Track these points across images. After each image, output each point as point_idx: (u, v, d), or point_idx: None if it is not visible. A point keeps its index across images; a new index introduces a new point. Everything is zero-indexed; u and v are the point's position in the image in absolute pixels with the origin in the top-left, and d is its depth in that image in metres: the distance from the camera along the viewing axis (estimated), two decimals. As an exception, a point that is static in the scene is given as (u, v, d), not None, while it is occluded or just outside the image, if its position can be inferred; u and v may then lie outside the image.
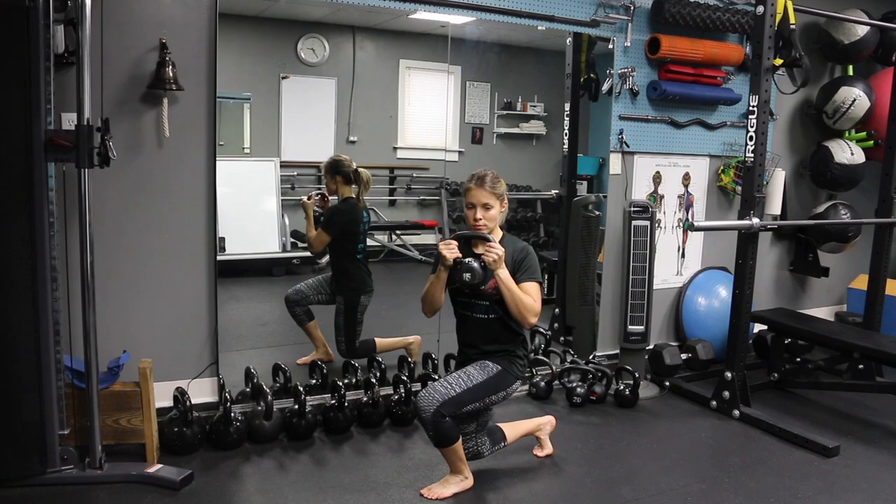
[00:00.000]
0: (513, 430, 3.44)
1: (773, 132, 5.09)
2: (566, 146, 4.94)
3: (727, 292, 4.65)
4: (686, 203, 5.00)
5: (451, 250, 2.96)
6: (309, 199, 4.28)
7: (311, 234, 4.25)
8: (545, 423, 3.57)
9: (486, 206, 3.00)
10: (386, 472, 3.30)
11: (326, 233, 4.23)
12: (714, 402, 4.18)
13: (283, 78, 5.16)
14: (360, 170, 4.29)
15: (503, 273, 2.93)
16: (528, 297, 2.97)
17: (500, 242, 3.00)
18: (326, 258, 4.52)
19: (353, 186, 4.28)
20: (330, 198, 4.34)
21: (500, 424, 3.40)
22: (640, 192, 4.78)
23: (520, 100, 6.05)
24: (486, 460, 3.32)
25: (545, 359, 4.50)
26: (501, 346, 3.10)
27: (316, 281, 4.37)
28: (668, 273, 5.00)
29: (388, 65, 5.58)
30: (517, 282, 2.98)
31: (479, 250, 2.99)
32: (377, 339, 4.37)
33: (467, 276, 2.94)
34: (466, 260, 2.95)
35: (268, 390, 3.59)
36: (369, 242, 4.52)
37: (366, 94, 5.31)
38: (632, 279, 4.51)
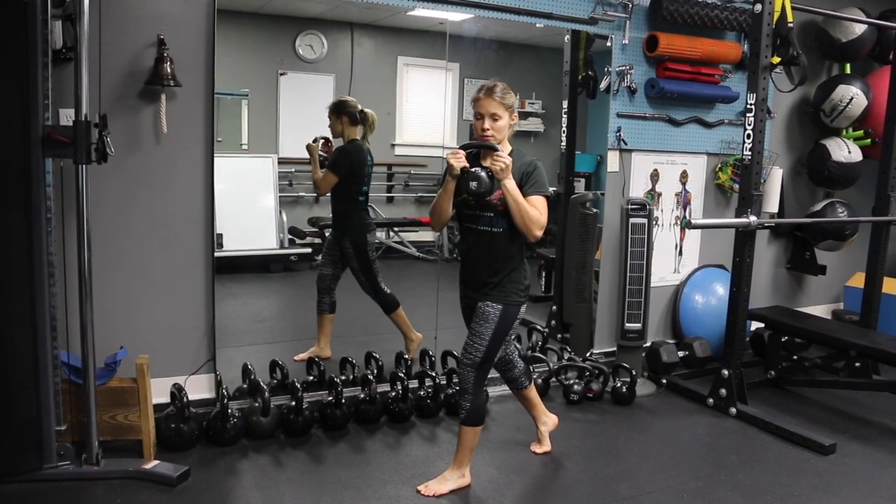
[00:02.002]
0: (534, 391, 3.52)
1: (771, 130, 5.09)
2: (564, 143, 4.94)
3: (724, 290, 4.66)
4: (684, 201, 5.00)
5: (458, 159, 2.91)
6: (314, 142, 4.25)
7: (318, 175, 4.22)
8: (550, 418, 3.58)
9: (495, 117, 2.95)
10: (383, 469, 3.31)
11: (333, 173, 4.18)
12: (711, 400, 4.19)
13: (281, 74, 5.17)
14: (366, 110, 4.25)
15: (510, 183, 2.88)
16: (534, 209, 2.92)
17: (509, 155, 2.94)
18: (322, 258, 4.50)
19: (359, 128, 4.24)
20: (333, 140, 4.30)
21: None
22: (638, 189, 4.78)
23: (518, 97, 6.04)
24: (483, 456, 3.32)
25: (542, 356, 4.50)
26: (503, 264, 3.03)
27: (325, 255, 4.37)
28: (665, 270, 5.00)
29: (386, 61, 5.58)
30: (524, 194, 2.92)
31: (486, 161, 2.95)
32: (401, 308, 4.37)
33: (474, 184, 2.88)
34: (473, 169, 2.90)
35: (265, 387, 3.59)
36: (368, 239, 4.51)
37: (364, 91, 5.31)
38: (629, 276, 4.51)
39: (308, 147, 4.25)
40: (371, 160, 4.33)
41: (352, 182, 4.24)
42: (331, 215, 4.38)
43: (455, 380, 3.94)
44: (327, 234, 4.57)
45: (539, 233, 2.95)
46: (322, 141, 4.29)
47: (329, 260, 4.35)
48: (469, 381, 3.00)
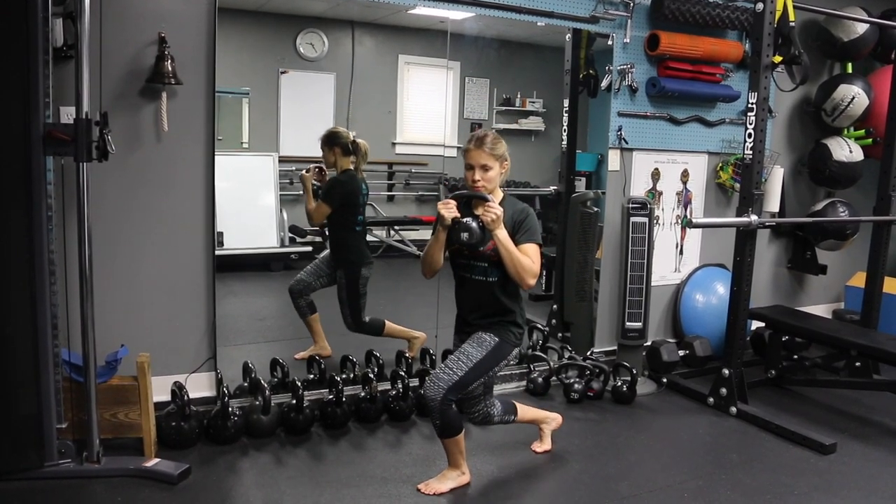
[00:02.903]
0: (524, 411, 3.45)
1: (772, 129, 5.09)
2: (565, 142, 4.94)
3: (725, 289, 4.66)
4: (684, 200, 5.00)
5: (449, 210, 2.91)
6: (307, 172, 4.25)
7: (311, 206, 4.22)
8: (553, 419, 3.57)
9: (485, 168, 2.94)
10: (383, 467, 3.31)
11: (326, 204, 4.19)
12: (711, 399, 4.19)
13: (282, 73, 5.17)
14: (358, 141, 4.25)
15: (501, 233, 2.88)
16: (526, 258, 2.92)
17: (500, 203, 2.94)
18: (326, 253, 4.51)
19: (352, 158, 4.24)
20: (327, 171, 4.32)
21: (514, 401, 3.42)
22: (639, 188, 4.78)
23: (519, 96, 6.05)
24: (484, 455, 3.32)
25: (543, 355, 4.50)
26: (499, 311, 3.05)
27: (313, 265, 4.35)
28: (666, 270, 5.00)
29: (387, 60, 5.58)
30: (516, 243, 2.93)
31: (478, 211, 2.96)
32: (388, 322, 4.36)
33: (465, 235, 2.89)
34: (464, 220, 2.91)
35: (265, 385, 3.59)
36: (368, 238, 4.52)
37: (365, 90, 5.32)
38: (630, 276, 4.51)
39: (301, 177, 4.26)
40: (366, 189, 4.34)
41: (346, 212, 4.25)
42: (329, 246, 4.39)
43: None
44: (327, 233, 4.58)
45: (532, 281, 2.96)
46: (316, 170, 4.29)
47: (316, 272, 4.33)
48: (435, 399, 2.91)
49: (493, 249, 2.92)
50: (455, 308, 3.18)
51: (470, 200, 3.03)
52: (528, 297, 3.14)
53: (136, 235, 3.50)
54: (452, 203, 2.94)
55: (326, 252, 4.40)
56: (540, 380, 4.31)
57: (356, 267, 4.26)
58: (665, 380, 4.52)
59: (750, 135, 3.94)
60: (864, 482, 3.36)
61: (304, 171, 4.26)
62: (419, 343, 4.40)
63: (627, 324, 4.54)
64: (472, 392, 3.11)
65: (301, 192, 4.33)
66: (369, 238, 4.60)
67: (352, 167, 4.25)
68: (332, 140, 4.25)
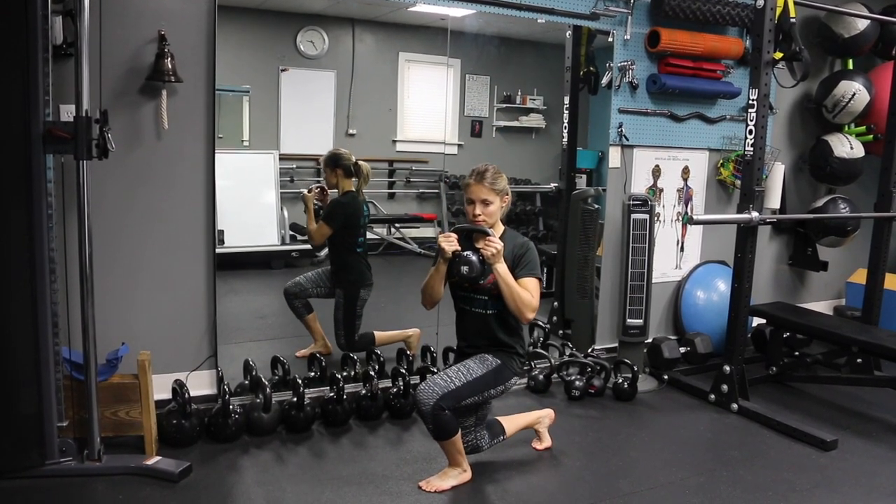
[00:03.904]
0: (512, 423, 3.45)
1: (773, 126, 5.08)
2: (565, 139, 4.93)
3: (726, 286, 4.66)
4: (685, 197, 4.99)
5: (450, 243, 2.96)
6: (309, 192, 4.28)
7: (312, 226, 4.25)
8: (544, 417, 3.57)
9: (486, 202, 2.99)
10: (384, 465, 3.31)
11: (328, 225, 4.22)
12: (712, 396, 4.19)
13: (283, 70, 5.16)
14: (360, 163, 4.29)
15: (501, 268, 2.92)
16: (525, 292, 2.96)
17: (501, 237, 3.00)
18: (325, 251, 4.51)
19: (353, 179, 4.28)
20: (329, 191, 4.34)
21: (499, 418, 3.41)
22: (640, 185, 4.78)
23: (519, 93, 6.04)
24: (485, 453, 3.32)
25: (544, 352, 4.51)
26: (499, 342, 3.10)
27: (315, 274, 4.37)
28: (666, 266, 5.00)
29: (387, 57, 5.57)
30: (516, 277, 2.97)
31: (479, 244, 2.99)
32: (377, 333, 4.38)
33: (465, 269, 2.94)
34: (465, 253, 2.96)
35: (266, 383, 3.59)
36: (368, 235, 4.52)
37: (365, 87, 5.31)
38: (631, 273, 4.51)
39: (303, 197, 4.30)
40: (367, 211, 4.37)
41: (347, 234, 4.28)
42: (329, 266, 4.40)
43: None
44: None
45: (531, 316, 3.00)
46: (318, 190, 4.32)
47: (315, 282, 4.34)
48: (427, 405, 2.90)
49: (493, 283, 2.96)
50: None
51: (471, 233, 3.06)
52: (521, 374, 3.16)
53: (137, 233, 3.50)
54: (453, 236, 2.98)
55: (328, 268, 4.41)
56: (541, 377, 4.31)
57: (355, 288, 4.29)
58: (666, 377, 4.51)
59: (751, 131, 3.94)
60: (865, 478, 3.36)
61: (305, 191, 4.30)
62: (415, 340, 4.41)
63: (628, 321, 4.54)
64: (463, 408, 3.08)
65: (301, 191, 4.33)
66: (370, 235, 4.60)
67: (353, 189, 4.27)
68: (334, 161, 4.29)
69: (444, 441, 3.04)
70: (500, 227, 3.09)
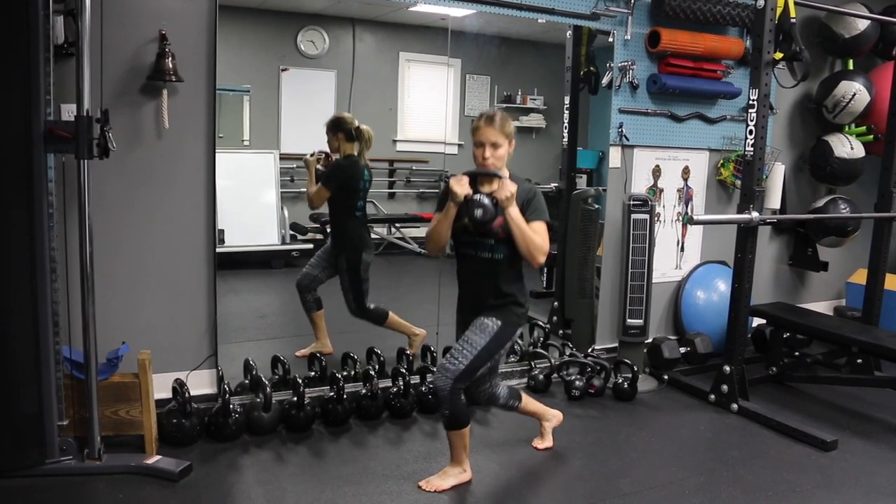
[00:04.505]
0: (528, 400, 3.47)
1: (773, 126, 5.08)
2: (566, 139, 4.93)
3: (726, 286, 4.66)
4: (685, 197, 5.00)
5: (462, 187, 2.90)
6: (311, 155, 4.28)
7: (312, 189, 4.25)
8: (553, 416, 3.57)
9: (495, 145, 2.94)
10: (384, 464, 3.31)
11: (326, 188, 4.21)
12: (712, 396, 4.19)
13: (283, 70, 5.16)
14: (362, 127, 4.27)
15: (514, 211, 2.87)
16: (537, 236, 2.92)
17: None
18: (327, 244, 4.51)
19: (356, 143, 4.27)
20: (333, 155, 4.33)
21: (520, 391, 3.44)
22: (640, 185, 4.78)
23: (519, 93, 6.05)
24: (485, 452, 3.32)
25: (544, 352, 4.51)
26: (502, 290, 3.03)
27: (317, 258, 4.36)
28: (667, 267, 5.00)
29: (387, 57, 5.57)
30: (526, 221, 2.92)
31: (492, 187, 2.94)
32: (391, 314, 4.38)
33: (479, 212, 2.87)
34: (477, 197, 2.89)
35: (266, 382, 3.60)
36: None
37: (365, 87, 5.31)
38: (631, 273, 4.51)
39: (305, 161, 4.30)
40: (368, 175, 4.34)
41: (346, 197, 4.26)
42: (329, 231, 4.40)
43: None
44: (328, 230, 4.58)
45: (542, 259, 2.95)
46: (322, 156, 4.31)
47: (319, 263, 4.34)
48: (445, 389, 2.93)
49: (500, 226, 2.92)
50: (455, 304, 3.17)
51: (476, 178, 3.01)
52: (524, 322, 3.14)
53: (138, 233, 3.50)
54: (465, 179, 2.92)
55: (328, 244, 4.41)
56: (541, 377, 4.31)
57: (357, 252, 4.28)
58: (666, 377, 4.52)
59: (751, 131, 3.94)
60: (865, 479, 3.36)
61: (308, 155, 4.29)
62: (419, 340, 4.40)
63: (628, 321, 4.54)
64: (480, 378, 3.12)
65: (301, 190, 4.34)
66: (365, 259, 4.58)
67: (355, 153, 4.27)
68: (336, 126, 4.28)
69: (455, 431, 3.04)
70: (506, 172, 3.01)
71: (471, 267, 3.08)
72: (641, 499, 3.11)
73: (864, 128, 5.29)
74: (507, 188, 2.85)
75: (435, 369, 3.03)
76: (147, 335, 3.49)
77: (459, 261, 3.13)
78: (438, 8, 4.19)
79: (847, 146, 5.15)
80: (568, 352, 4.62)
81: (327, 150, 4.34)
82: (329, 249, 4.36)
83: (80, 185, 2.94)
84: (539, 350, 4.54)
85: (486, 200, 2.87)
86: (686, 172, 4.96)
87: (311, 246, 5.07)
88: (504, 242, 2.96)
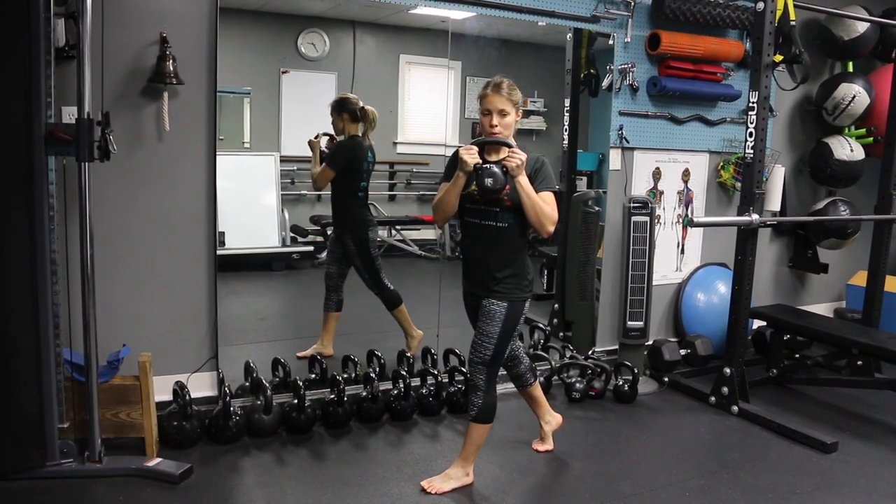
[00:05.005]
0: (538, 388, 3.51)
1: (773, 128, 5.09)
2: (566, 142, 4.94)
3: (726, 288, 4.66)
4: (685, 199, 5.00)
5: (472, 155, 2.88)
6: (316, 137, 4.28)
7: (316, 170, 4.26)
8: (554, 417, 3.57)
9: (503, 113, 2.93)
10: (385, 467, 3.31)
11: (330, 168, 4.21)
12: (713, 398, 4.19)
13: (284, 72, 5.17)
14: (367, 108, 4.29)
15: (524, 180, 2.87)
16: (546, 205, 2.92)
17: None
18: (324, 254, 4.52)
19: (360, 124, 4.28)
20: (337, 137, 4.34)
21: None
22: (640, 187, 4.78)
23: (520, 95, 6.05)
24: (486, 454, 3.32)
25: (544, 354, 4.50)
26: (507, 261, 3.02)
27: (329, 252, 4.39)
28: (667, 269, 5.00)
29: (388, 60, 5.58)
30: (535, 191, 2.92)
31: (501, 155, 2.93)
32: (403, 305, 4.40)
33: (489, 181, 2.85)
34: (487, 165, 2.87)
35: (267, 384, 3.59)
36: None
37: (366, 89, 5.31)
38: (631, 275, 4.51)
39: (310, 142, 4.30)
40: (372, 156, 4.34)
41: (349, 177, 4.26)
42: (331, 212, 4.39)
43: (457, 377, 3.95)
44: (329, 233, 4.58)
45: (552, 228, 2.95)
46: (327, 138, 4.32)
47: (333, 258, 4.36)
48: (481, 378, 3.00)
49: (506, 195, 2.91)
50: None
51: (483, 148, 2.99)
52: (531, 293, 3.13)
53: (138, 235, 3.50)
54: (475, 148, 2.90)
55: (333, 235, 4.40)
56: (542, 379, 4.30)
57: (362, 231, 4.29)
58: (666, 379, 4.52)
59: (751, 134, 3.94)
60: (865, 481, 3.36)
61: (313, 137, 4.29)
62: (417, 341, 4.41)
63: (629, 323, 4.54)
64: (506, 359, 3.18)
65: (302, 192, 4.34)
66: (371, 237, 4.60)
67: (359, 134, 4.28)
68: (340, 106, 4.29)
69: (482, 424, 3.05)
70: (513, 142, 2.99)
71: (476, 236, 3.06)
72: (642, 501, 3.11)
73: (863, 130, 5.29)
74: (518, 156, 2.84)
75: (466, 366, 3.03)
76: (148, 337, 3.50)
77: (465, 230, 3.11)
78: (439, 10, 4.20)
79: (847, 148, 5.16)
80: (568, 354, 4.62)
81: (332, 132, 4.35)
82: (334, 239, 4.37)
83: (81, 187, 2.95)
84: (539, 352, 4.54)
85: (496, 169, 2.86)
86: (686, 175, 4.96)
87: (311, 248, 5.08)
88: (509, 211, 2.95)
